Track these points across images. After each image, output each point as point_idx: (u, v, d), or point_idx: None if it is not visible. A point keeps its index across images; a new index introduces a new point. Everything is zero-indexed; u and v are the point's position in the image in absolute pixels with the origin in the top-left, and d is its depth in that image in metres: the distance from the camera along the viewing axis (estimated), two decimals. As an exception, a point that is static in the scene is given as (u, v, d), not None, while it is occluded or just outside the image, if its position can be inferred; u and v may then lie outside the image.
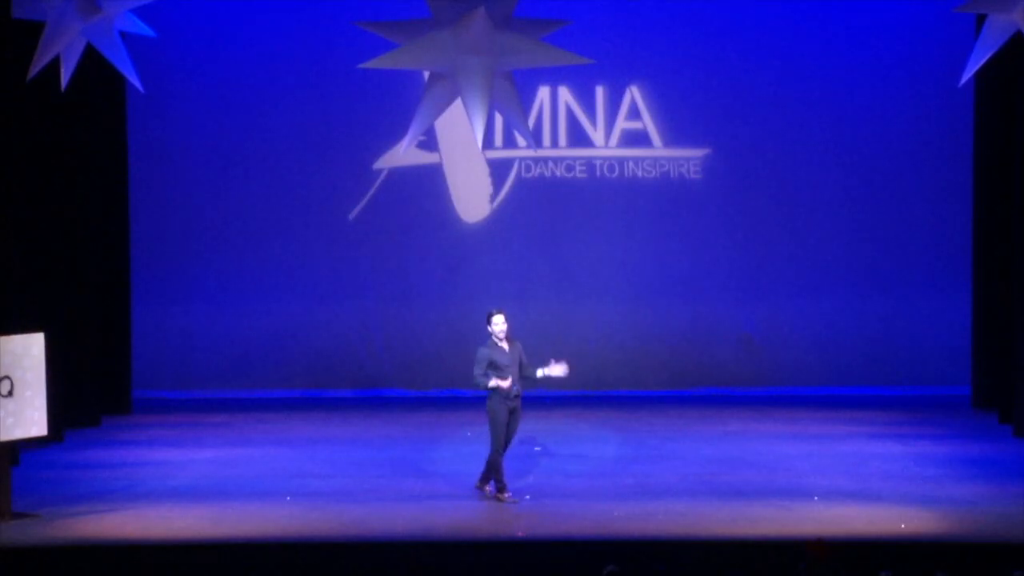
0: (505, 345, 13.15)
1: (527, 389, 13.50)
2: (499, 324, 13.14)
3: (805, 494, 13.22)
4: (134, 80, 14.57)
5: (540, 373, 13.26)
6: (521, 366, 13.21)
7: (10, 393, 12.61)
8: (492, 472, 13.16)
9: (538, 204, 18.94)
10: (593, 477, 14.11)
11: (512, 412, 13.15)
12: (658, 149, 18.87)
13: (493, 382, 12.99)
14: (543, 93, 18.83)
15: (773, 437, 16.06)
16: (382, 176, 18.89)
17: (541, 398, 17.12)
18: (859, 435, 16.14)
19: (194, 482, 14.02)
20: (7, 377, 12.59)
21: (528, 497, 13.19)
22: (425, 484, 13.84)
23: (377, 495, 13.39)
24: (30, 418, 12.78)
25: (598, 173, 18.90)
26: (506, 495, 13.05)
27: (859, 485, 13.59)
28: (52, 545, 11.75)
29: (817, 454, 15.12)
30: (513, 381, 13.04)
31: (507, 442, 13.25)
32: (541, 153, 18.87)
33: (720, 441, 15.86)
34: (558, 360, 13.28)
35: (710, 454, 15.18)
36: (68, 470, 14.64)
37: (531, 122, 18.42)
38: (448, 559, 11.62)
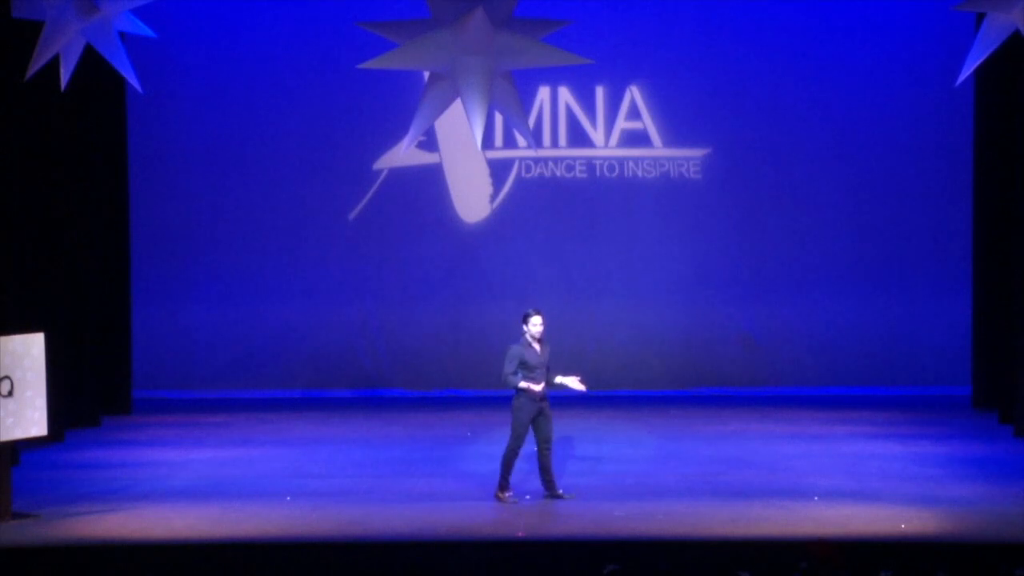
0: (537, 346, 13.07)
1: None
2: (536, 325, 13.00)
3: (805, 494, 13.20)
4: (133, 80, 14.58)
5: (558, 380, 13.17)
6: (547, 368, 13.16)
7: (10, 393, 12.59)
8: (504, 469, 13.04)
9: (538, 204, 18.94)
10: (593, 477, 14.08)
11: (541, 413, 12.97)
12: (658, 149, 18.87)
13: (524, 384, 12.92)
14: (543, 93, 18.84)
15: (773, 437, 16.06)
16: (382, 176, 18.89)
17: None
18: (859, 435, 16.13)
19: (194, 482, 14.01)
20: (7, 377, 12.58)
21: (528, 497, 13.17)
22: (425, 484, 13.82)
23: (377, 495, 13.37)
24: (30, 418, 12.76)
25: (598, 173, 18.90)
26: (507, 494, 13.03)
27: (859, 485, 13.57)
28: (52, 545, 11.72)
29: (817, 454, 15.10)
30: (543, 384, 13.00)
31: (549, 442, 13.04)
32: (541, 153, 18.87)
33: (720, 441, 15.85)
34: (582, 381, 13.23)
35: (710, 454, 15.17)
36: (68, 470, 14.63)
37: (531, 122, 18.42)
38: (448, 559, 11.59)
